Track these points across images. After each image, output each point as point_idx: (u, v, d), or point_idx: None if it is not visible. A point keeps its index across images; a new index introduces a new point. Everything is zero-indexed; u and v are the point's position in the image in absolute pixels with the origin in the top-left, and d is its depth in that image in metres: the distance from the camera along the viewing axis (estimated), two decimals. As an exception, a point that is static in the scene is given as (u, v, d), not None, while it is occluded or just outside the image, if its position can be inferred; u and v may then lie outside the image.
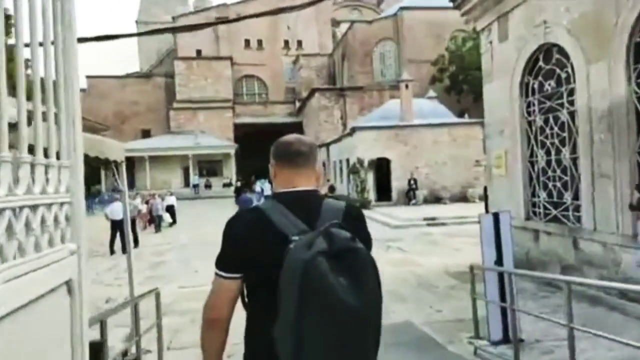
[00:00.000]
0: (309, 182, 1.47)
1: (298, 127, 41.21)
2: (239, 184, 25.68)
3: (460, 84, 31.37)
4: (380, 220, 16.30)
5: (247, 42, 46.32)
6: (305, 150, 1.48)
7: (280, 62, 46.65)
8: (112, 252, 12.12)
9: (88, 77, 43.82)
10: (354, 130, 21.70)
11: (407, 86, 21.65)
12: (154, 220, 16.54)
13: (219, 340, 1.41)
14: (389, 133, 21.33)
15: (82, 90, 43.71)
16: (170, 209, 17.63)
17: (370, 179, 20.81)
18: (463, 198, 21.09)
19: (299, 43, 47.66)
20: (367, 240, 1.44)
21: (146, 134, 42.16)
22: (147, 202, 17.65)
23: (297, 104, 43.06)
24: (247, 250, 1.33)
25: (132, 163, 37.50)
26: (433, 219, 15.36)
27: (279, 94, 46.28)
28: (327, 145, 29.68)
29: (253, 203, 15.23)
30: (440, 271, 8.69)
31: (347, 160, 23.74)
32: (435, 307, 6.52)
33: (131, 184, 36.74)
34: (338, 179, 26.34)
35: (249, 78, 46.65)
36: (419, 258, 9.95)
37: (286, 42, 47.47)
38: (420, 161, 21.44)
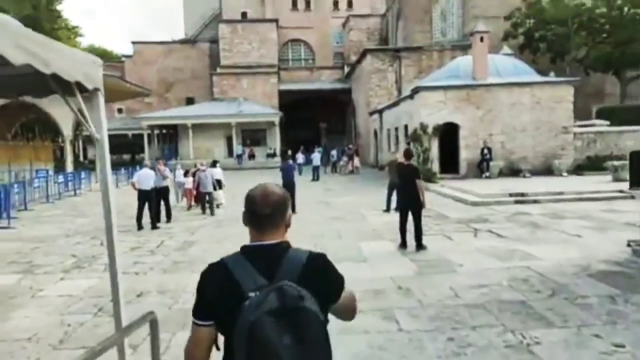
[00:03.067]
0: (275, 236, 1.51)
1: (347, 93, 38.47)
2: (289, 152, 23.46)
3: (537, 41, 27.24)
4: (451, 195, 13.61)
5: (294, 3, 43.47)
6: (269, 212, 1.49)
7: (329, 24, 43.58)
8: (139, 227, 10.28)
9: (134, 42, 43.05)
10: (416, 90, 18.76)
11: (482, 39, 18.32)
12: (201, 198, 12.55)
13: None
14: (458, 94, 18.24)
15: (128, 56, 43.15)
16: (217, 183, 13.17)
17: (434, 147, 17.98)
18: (547, 171, 17.86)
19: (349, 3, 44.25)
20: (336, 286, 1.51)
21: (190, 101, 40.93)
22: (193, 175, 13.45)
23: (346, 70, 40.07)
24: (212, 303, 1.43)
25: (175, 131, 36.47)
26: (522, 194, 12.50)
27: (327, 59, 43.41)
28: (380, 111, 26.85)
29: (295, 171, 12.90)
30: (573, 269, 6.07)
31: (406, 127, 20.92)
32: (606, 337, 3.99)
33: (174, 153, 35.80)
34: (392, 149, 23.59)
35: (295, 42, 44.00)
36: (529, 248, 7.33)
37: (335, 3, 44.21)
38: (495, 127, 18.28)
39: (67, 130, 19.26)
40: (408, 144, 19.38)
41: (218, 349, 1.50)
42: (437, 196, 14.09)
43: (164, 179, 11.01)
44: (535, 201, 12.07)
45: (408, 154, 7.48)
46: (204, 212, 12.35)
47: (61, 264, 7.37)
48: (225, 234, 9.04)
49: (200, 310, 1.46)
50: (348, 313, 1.61)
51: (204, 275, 1.50)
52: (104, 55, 50.70)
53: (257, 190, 1.54)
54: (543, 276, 5.83)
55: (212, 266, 1.51)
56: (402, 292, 5.40)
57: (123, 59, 43.60)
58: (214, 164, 14.32)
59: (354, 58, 37.73)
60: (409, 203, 7.30)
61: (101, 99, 3.07)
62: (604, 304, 4.82)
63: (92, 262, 7.50)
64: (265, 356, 1.24)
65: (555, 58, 27.82)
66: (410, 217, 7.40)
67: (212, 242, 8.74)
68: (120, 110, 41.74)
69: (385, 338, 4.12)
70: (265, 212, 1.49)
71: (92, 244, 8.87)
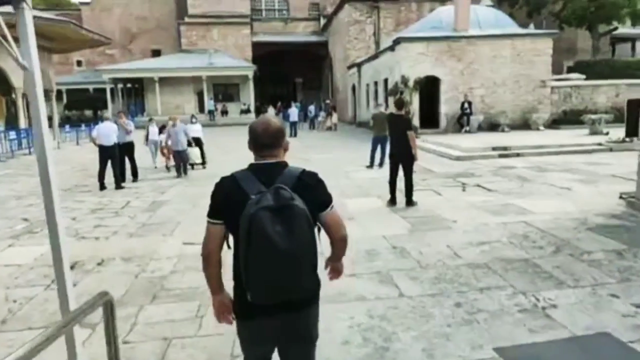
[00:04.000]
0: (275, 156, 1.81)
1: (323, 46, 37.03)
2: (268, 107, 22.27)
3: (514, -7, 26.49)
4: (434, 150, 13.22)
5: (266, -53, 40.66)
6: (270, 142, 1.79)
7: (303, -29, 41.14)
8: (101, 186, 9.43)
9: (89, -13, 39.58)
10: (398, 41, 17.90)
11: (464, -14, 17.42)
12: (177, 158, 10.89)
13: (214, 270, 1.81)
14: (439, 46, 17.52)
15: (85, 3, 39.86)
16: (195, 143, 11.75)
17: (415, 101, 17.40)
18: (524, 125, 17.68)
19: (324, -51, 41.71)
20: (323, 198, 1.82)
21: (156, 54, 38.50)
22: (162, 129, 12.11)
23: (322, 22, 38.35)
24: (224, 204, 1.74)
25: (140, 85, 34.45)
26: (505, 148, 12.22)
27: (302, 10, 41.28)
28: (359, 65, 25.86)
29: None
30: (571, 223, 5.77)
31: (386, 81, 20.18)
32: (624, 296, 3.68)
33: (141, 110, 33.98)
34: (371, 105, 22.90)
35: (268, -9, 41.51)
36: (521, 202, 7.01)
37: (309, -51, 41.59)
38: (475, 81, 17.80)
39: (18, 82, 17.56)
40: (386, 98, 18.77)
41: (229, 247, 1.77)
42: (421, 151, 13.53)
43: (127, 134, 10.07)
44: (518, 154, 11.83)
45: (400, 104, 6.88)
46: (178, 174, 10.81)
47: (10, 229, 6.56)
48: (199, 193, 8.20)
49: (213, 211, 1.76)
50: (335, 230, 1.87)
51: (218, 185, 1.79)
52: (60, 4, 46.92)
53: (258, 123, 1.83)
54: (542, 231, 5.49)
55: (224, 178, 1.79)
56: (397, 252, 4.96)
57: (80, 6, 40.26)
58: (192, 119, 12.87)
59: (330, 9, 36.01)
60: (400, 156, 6.79)
61: (28, 15, 2.29)
62: (612, 260, 4.51)
63: (44, 226, 6.70)
64: (262, 240, 1.56)
65: (532, 12, 27.33)
66: (400, 172, 6.91)
67: (185, 202, 8.09)
68: (79, 63, 39.01)
69: (385, 305, 3.68)
70: (265, 140, 1.79)
71: (51, 205, 8.04)
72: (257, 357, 1.94)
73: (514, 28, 18.87)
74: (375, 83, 22.27)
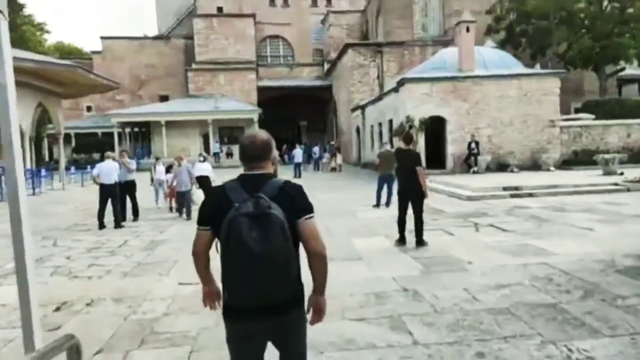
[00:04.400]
0: (262, 168, 1.97)
1: (327, 90, 37.63)
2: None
3: (518, 36, 26.96)
4: (443, 190, 12.87)
5: (272, -2, 42.38)
6: (257, 153, 1.97)
7: (308, 20, 42.64)
8: (101, 225, 9.13)
9: (102, 38, 41.07)
10: (402, 82, 18.03)
11: (467, 29, 17.71)
12: (180, 199, 10.25)
13: (202, 265, 2.02)
14: (445, 86, 17.59)
15: (97, 52, 41.20)
16: (202, 182, 10.83)
17: (421, 141, 17.27)
18: (534, 166, 17.39)
19: (328, 0, 43.41)
20: (301, 205, 1.89)
21: (164, 99, 39.24)
22: (169, 169, 11.65)
23: (326, 67, 39.22)
24: (212, 211, 1.90)
25: (147, 129, 34.88)
26: (516, 188, 11.85)
27: (306, 55, 42.44)
28: (363, 107, 26.07)
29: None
30: (598, 265, 5.32)
31: (390, 122, 20.18)
32: (674, 350, 3.20)
33: (147, 152, 34.21)
34: (376, 146, 22.82)
35: (274, 39, 42.87)
36: (540, 242, 6.57)
37: (314, 0, 43.30)
38: (482, 121, 17.72)
39: (25, 124, 17.74)
40: (391, 139, 18.65)
41: (217, 251, 1.89)
42: (429, 191, 13.20)
43: (129, 172, 9.88)
44: (530, 194, 11.43)
45: (409, 138, 6.63)
46: (180, 214, 10.25)
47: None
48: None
49: (202, 219, 1.96)
50: (312, 242, 1.88)
51: (208, 195, 2.01)
52: (72, 53, 48.63)
53: (246, 136, 2.03)
54: (567, 274, 5.05)
55: (214, 188, 2.01)
56: (410, 295, 4.52)
57: (92, 55, 41.62)
58: (200, 158, 12.05)
59: (333, 55, 36.88)
60: (409, 193, 6.46)
61: (4, 25, 2.07)
62: (647, 304, 4.05)
63: (38, 265, 6.38)
64: (238, 244, 1.73)
65: (536, 53, 27.58)
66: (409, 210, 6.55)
67: (184, 241, 7.71)
68: (89, 109, 39.79)
69: (398, 355, 3.24)
70: (252, 152, 1.98)
71: (43, 245, 7.71)
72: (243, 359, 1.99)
73: (519, 68, 19.00)
74: (380, 124, 22.29)
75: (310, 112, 40.18)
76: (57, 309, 4.57)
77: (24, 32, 38.78)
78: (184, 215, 10.10)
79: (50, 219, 10.78)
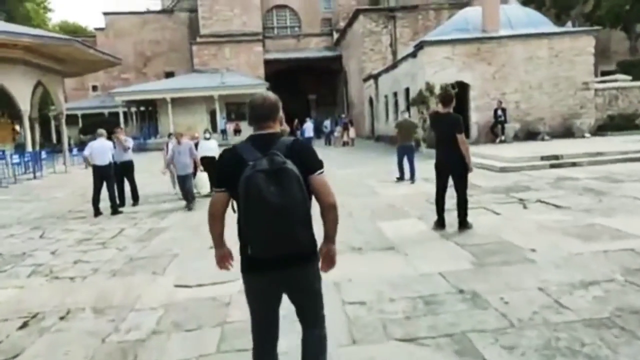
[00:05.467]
0: (271, 128, 2.06)
1: (337, 61, 35.99)
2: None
3: (541, -6, 25.02)
4: (474, 162, 11.63)
5: (277, -35, 40.27)
6: (267, 112, 2.05)
7: (315, -13, 40.53)
8: (96, 212, 8.19)
9: (105, 13, 39.76)
10: (420, 46, 16.56)
11: (492, -16, 16.07)
12: (181, 184, 8.59)
13: (218, 227, 2.11)
14: (467, 49, 16.09)
15: (100, 29, 39.91)
16: (208, 163, 9.04)
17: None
18: (567, 133, 15.99)
19: (336, -36, 41.13)
20: (312, 162, 2.01)
21: (170, 75, 38.00)
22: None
23: (335, 37, 37.43)
24: (226, 173, 2.00)
25: (153, 107, 33.85)
26: (556, 157, 10.60)
27: (314, 25, 40.49)
28: (376, 77, 24.57)
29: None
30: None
31: (407, 91, 18.78)
32: None
33: (154, 132, 33.28)
34: (391, 117, 21.51)
35: (280, 8, 40.89)
36: (607, 221, 5.43)
37: (321, -35, 41.06)
38: (508, 86, 16.26)
39: (24, 105, 16.78)
40: (408, 108, 17.30)
41: (234, 211, 2.01)
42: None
43: (125, 151, 8.86)
44: (573, 164, 10.20)
45: (448, 99, 5.48)
46: (187, 205, 8.41)
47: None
48: (203, 217, 6.84)
49: (218, 181, 2.06)
50: (324, 195, 1.99)
51: (221, 156, 2.10)
52: (77, 31, 47.33)
53: (256, 97, 2.12)
54: (666, 264, 3.94)
55: (226, 150, 2.08)
56: (469, 300, 3.47)
57: (95, 32, 40.37)
58: (205, 135, 10.33)
59: (343, 24, 35.06)
60: (449, 165, 5.35)
61: None
62: None
63: (17, 262, 5.48)
64: (257, 198, 1.79)
65: (560, 14, 25.70)
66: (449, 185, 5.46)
67: (185, 228, 6.77)
68: (95, 88, 38.81)
69: (480, 405, 2.21)
70: (262, 111, 2.06)
71: (29, 237, 6.82)
72: (262, 310, 2.08)
73: (549, 27, 17.35)
74: (395, 94, 20.89)
75: (319, 84, 38.65)
76: (24, 325, 3.64)
77: (27, 11, 37.65)
78: (190, 202, 8.46)
79: (46, 204, 9.92)
